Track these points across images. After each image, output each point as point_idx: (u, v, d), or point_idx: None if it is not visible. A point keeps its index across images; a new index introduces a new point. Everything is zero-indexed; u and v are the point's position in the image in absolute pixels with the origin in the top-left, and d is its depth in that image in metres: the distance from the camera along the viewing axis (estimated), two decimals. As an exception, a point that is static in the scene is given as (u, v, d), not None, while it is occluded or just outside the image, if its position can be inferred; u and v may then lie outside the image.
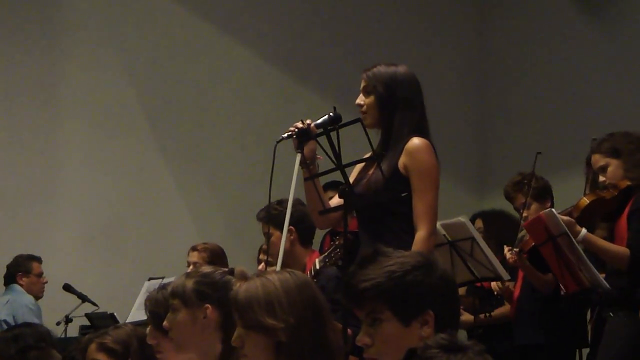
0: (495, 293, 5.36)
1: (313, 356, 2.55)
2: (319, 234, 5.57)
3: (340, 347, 2.67)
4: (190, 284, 3.14)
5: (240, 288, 2.66)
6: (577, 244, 4.16)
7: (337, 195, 3.79)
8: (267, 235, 4.74)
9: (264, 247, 5.27)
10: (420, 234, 3.62)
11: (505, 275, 4.87)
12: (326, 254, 4.37)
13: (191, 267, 5.43)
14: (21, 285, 6.60)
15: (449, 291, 2.39)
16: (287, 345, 2.54)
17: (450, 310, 2.37)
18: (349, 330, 3.40)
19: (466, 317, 5.45)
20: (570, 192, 4.90)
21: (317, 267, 4.28)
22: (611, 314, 4.49)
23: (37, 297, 6.71)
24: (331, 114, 3.70)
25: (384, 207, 3.69)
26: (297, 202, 4.42)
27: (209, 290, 3.09)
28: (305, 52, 7.89)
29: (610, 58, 6.96)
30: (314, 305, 2.61)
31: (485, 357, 1.99)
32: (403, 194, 3.60)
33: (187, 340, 3.12)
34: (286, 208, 3.88)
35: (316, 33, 7.94)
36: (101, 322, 5.74)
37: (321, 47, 7.92)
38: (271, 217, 4.53)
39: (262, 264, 5.61)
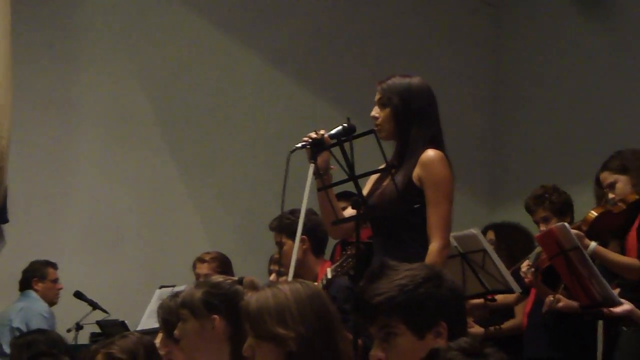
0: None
1: (323, 365, 2.56)
2: (331, 244, 5.58)
3: (350, 358, 2.68)
4: (198, 294, 3.15)
5: (252, 298, 2.68)
6: (589, 258, 4.16)
7: (350, 206, 3.80)
8: (280, 245, 4.75)
9: (276, 256, 5.28)
10: (434, 246, 3.62)
11: (516, 287, 4.86)
12: (338, 263, 4.38)
13: (201, 278, 5.44)
14: (36, 290, 6.62)
15: (458, 302, 2.41)
16: (297, 355, 2.55)
17: (460, 321, 2.38)
18: (359, 341, 3.41)
19: (476, 329, 5.44)
20: (586, 206, 4.89)
21: (329, 276, 4.29)
22: (624, 328, 4.48)
23: (52, 303, 6.72)
24: (345, 124, 3.72)
25: (397, 218, 3.70)
26: (310, 212, 4.43)
27: (217, 300, 3.11)
28: (321, 63, 7.90)
29: (624, 71, 6.95)
30: (325, 316, 2.62)
31: None
32: (416, 206, 3.60)
33: (196, 351, 3.14)
34: (299, 218, 3.89)
35: (332, 43, 7.95)
36: (112, 329, 5.75)
37: (336, 57, 7.93)
38: (284, 226, 4.54)
39: (274, 274, 5.62)
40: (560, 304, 4.52)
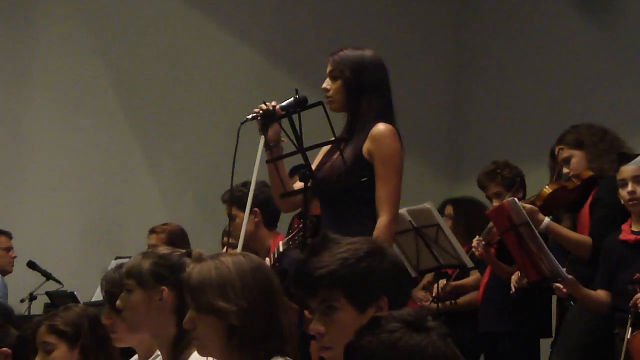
0: (441, 289, 5.28)
1: (265, 340, 2.53)
2: (286, 218, 5.55)
3: (293, 332, 2.65)
4: (146, 264, 3.10)
5: (194, 270, 2.64)
6: (538, 234, 4.17)
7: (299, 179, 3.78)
8: (231, 217, 4.72)
9: (228, 229, 5.25)
10: (382, 220, 3.61)
11: (469, 263, 4.87)
12: (290, 237, 4.35)
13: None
14: (-12, 258, 6.55)
15: (400, 276, 2.40)
16: (239, 329, 2.51)
17: (402, 296, 2.37)
18: (306, 313, 3.40)
19: (431, 303, 5.46)
20: (543, 182, 4.89)
21: (281, 249, 4.27)
22: (572, 302, 4.51)
23: (6, 272, 6.66)
24: (296, 96, 3.68)
25: (346, 192, 3.68)
26: (262, 185, 4.40)
27: (166, 271, 3.06)
28: (281, 34, 7.84)
29: (590, 47, 6.93)
30: (267, 289, 2.59)
31: (448, 342, 1.99)
32: (363, 179, 3.58)
33: (140, 321, 3.09)
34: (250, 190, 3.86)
35: (294, 15, 7.88)
36: (62, 300, 5.69)
37: (298, 29, 7.87)
38: (235, 198, 4.52)
39: (226, 246, 5.60)
40: (526, 281, 4.50)
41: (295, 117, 3.46)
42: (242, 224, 4.51)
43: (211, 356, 2.63)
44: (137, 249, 5.78)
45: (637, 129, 5.58)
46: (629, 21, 6.73)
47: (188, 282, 2.61)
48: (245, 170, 3.79)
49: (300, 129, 3.40)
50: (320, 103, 3.53)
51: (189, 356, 3.01)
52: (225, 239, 5.36)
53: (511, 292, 4.76)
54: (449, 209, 5.73)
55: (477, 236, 5.02)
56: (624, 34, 6.73)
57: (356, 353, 1.98)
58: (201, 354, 2.63)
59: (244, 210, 4.62)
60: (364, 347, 1.97)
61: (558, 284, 4.21)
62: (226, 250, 5.39)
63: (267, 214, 4.69)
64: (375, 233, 3.54)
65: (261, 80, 7.61)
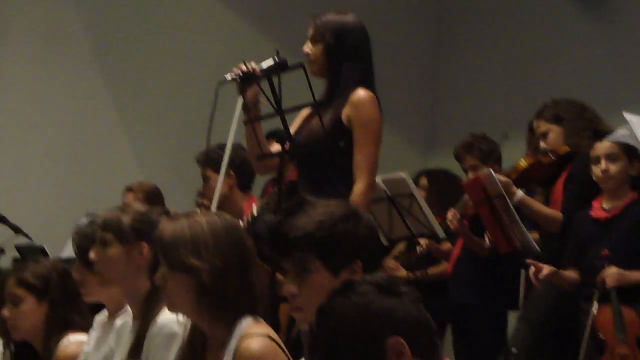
0: (419, 251, 5.33)
1: (236, 300, 2.53)
2: (260, 181, 5.54)
3: (264, 293, 2.66)
4: (127, 219, 3.08)
5: (167, 227, 2.63)
6: (512, 206, 4.19)
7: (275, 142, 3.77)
8: (205, 178, 4.71)
9: (202, 190, 5.24)
10: (358, 187, 3.61)
11: (441, 233, 4.89)
12: (265, 201, 4.36)
13: (124, 207, 5.38)
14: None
15: (374, 241, 2.41)
16: (210, 287, 2.51)
17: (375, 261, 2.38)
18: (279, 276, 3.40)
19: (401, 272, 5.48)
20: (518, 156, 4.91)
21: (255, 213, 4.27)
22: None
23: (-27, 223, 6.60)
24: (276, 58, 3.67)
25: (323, 157, 3.67)
26: (238, 147, 4.39)
27: (147, 228, 3.04)
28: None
29: (569, 19, 6.92)
30: (240, 249, 2.59)
31: (420, 307, 2.00)
32: (341, 144, 3.57)
33: (114, 276, 3.08)
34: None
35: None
36: (31, 254, 5.65)
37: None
38: (210, 160, 4.51)
39: (200, 207, 5.59)
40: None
41: (275, 79, 3.43)
42: (216, 185, 4.52)
43: (181, 313, 2.63)
44: (108, 205, 5.77)
45: (614, 107, 5.59)
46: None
47: (161, 239, 2.60)
48: (221, 132, 3.76)
49: (280, 91, 3.38)
50: (301, 65, 3.51)
51: (158, 313, 3.02)
52: (199, 200, 5.36)
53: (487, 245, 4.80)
54: (423, 180, 5.74)
55: (452, 208, 5.03)
56: (604, 11, 6.73)
57: (327, 314, 1.99)
58: (171, 310, 2.64)
59: (218, 172, 4.62)
60: (335, 309, 1.98)
61: (534, 268, 4.20)
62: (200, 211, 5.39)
63: (242, 176, 4.68)
64: (352, 199, 3.54)
65: (239, 41, 7.54)
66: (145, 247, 3.01)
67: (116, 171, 7.14)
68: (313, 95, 3.52)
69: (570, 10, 6.94)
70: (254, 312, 2.55)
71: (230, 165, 4.12)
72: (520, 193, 4.44)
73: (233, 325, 2.51)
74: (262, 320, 2.56)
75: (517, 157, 4.86)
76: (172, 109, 7.47)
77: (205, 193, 4.77)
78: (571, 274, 4.28)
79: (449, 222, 4.97)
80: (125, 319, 3.17)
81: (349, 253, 2.30)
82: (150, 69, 7.45)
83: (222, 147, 4.43)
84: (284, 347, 2.51)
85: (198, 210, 5.46)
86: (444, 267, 5.50)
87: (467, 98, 7.56)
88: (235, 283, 2.53)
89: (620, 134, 3.18)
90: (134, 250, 3.04)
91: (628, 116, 3.05)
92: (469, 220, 5.04)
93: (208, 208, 5.29)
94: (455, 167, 5.75)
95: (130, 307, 3.12)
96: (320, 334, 2.00)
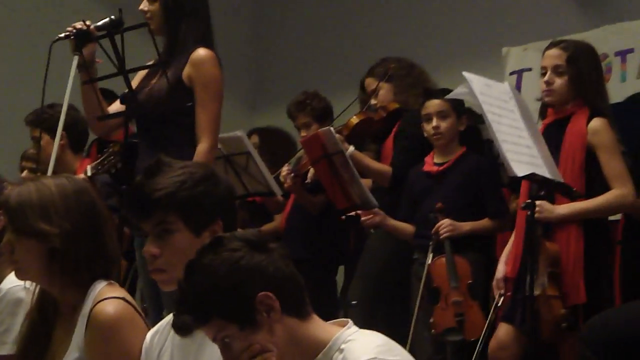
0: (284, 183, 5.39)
1: (89, 263, 2.49)
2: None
3: (118, 256, 2.62)
4: None
5: (13, 191, 2.55)
6: (351, 162, 4.28)
7: (117, 102, 3.70)
8: (36, 140, 4.57)
9: (30, 152, 5.08)
10: (203, 146, 3.61)
11: (278, 191, 4.93)
12: (99, 161, 4.29)
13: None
14: None
15: (233, 201, 2.42)
16: (61, 252, 2.46)
17: (233, 220, 2.40)
18: (126, 230, 3.36)
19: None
20: (349, 112, 5.00)
21: (89, 174, 4.21)
22: (372, 230, 4.68)
23: None
24: (113, 17, 3.60)
25: (165, 117, 3.64)
26: (69, 108, 4.27)
27: None
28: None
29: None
30: (92, 212, 2.54)
31: (288, 263, 2.04)
32: (188, 104, 3.55)
33: None
34: (57, 112, 3.75)
35: None
36: None
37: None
38: (41, 120, 4.40)
39: (26, 170, 5.41)
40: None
41: (118, 37, 3.37)
42: (48, 146, 4.41)
43: (31, 280, 2.56)
44: None
45: (445, 64, 5.76)
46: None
47: (7, 204, 2.52)
48: (48, 92, 3.63)
49: (123, 50, 3.31)
50: (145, 24, 3.46)
51: (2, 279, 2.93)
52: (27, 163, 5.18)
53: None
54: (255, 138, 5.76)
55: (287, 165, 5.08)
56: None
57: (198, 270, 2.00)
58: (20, 277, 2.57)
59: (50, 133, 4.50)
60: (205, 265, 2.00)
61: (368, 215, 4.34)
62: (26, 174, 5.23)
63: (74, 137, 4.60)
64: (196, 159, 3.54)
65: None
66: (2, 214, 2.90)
67: None
68: (159, 54, 3.47)
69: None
70: (107, 276, 2.52)
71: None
72: (351, 148, 4.53)
73: (86, 289, 2.47)
74: (116, 283, 2.53)
75: (350, 113, 4.95)
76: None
77: (36, 155, 4.63)
78: (407, 226, 4.43)
79: (282, 179, 5.02)
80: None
81: (211, 212, 2.31)
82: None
83: (52, 107, 4.32)
84: (140, 310, 2.50)
85: (23, 173, 5.30)
86: (277, 223, 5.56)
87: (292, 57, 7.59)
88: (87, 247, 2.49)
89: (459, 91, 3.32)
90: None
91: (467, 75, 3.19)
92: (300, 177, 5.12)
93: (35, 171, 5.14)
94: (282, 126, 5.80)
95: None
96: (190, 289, 2.01)
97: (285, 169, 5.03)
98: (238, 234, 2.05)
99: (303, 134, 5.17)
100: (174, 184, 2.28)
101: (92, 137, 5.11)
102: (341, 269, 5.34)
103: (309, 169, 4.89)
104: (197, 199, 2.29)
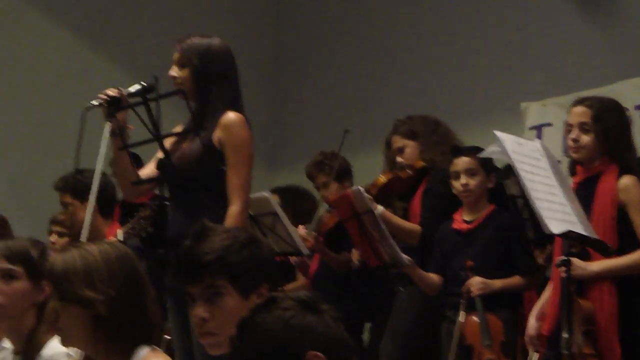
0: (293, 263, 5.45)
1: (132, 329, 2.50)
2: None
3: (160, 320, 2.63)
4: (35, 252, 3.02)
5: (57, 258, 2.56)
6: (380, 221, 4.31)
7: (148, 166, 3.74)
8: (65, 205, 4.62)
9: (59, 216, 5.12)
10: (235, 208, 3.63)
11: (305, 250, 4.95)
12: (130, 225, 4.32)
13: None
14: None
15: (275, 263, 2.47)
16: (106, 319, 2.46)
17: (276, 282, 2.43)
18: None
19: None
20: (372, 172, 5.04)
21: (120, 238, 4.23)
22: (401, 288, 4.69)
23: None
24: (143, 83, 3.65)
25: (198, 181, 3.67)
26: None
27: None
28: (100, 17, 7.62)
29: (409, 39, 7.05)
30: (134, 277, 2.55)
31: (339, 324, 2.05)
32: (222, 167, 3.59)
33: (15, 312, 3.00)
34: (87, 178, 3.79)
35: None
36: None
37: (128, 18, 7.66)
38: (70, 186, 4.46)
39: (54, 234, 5.46)
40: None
41: (153, 103, 3.41)
42: (77, 212, 4.45)
43: (76, 347, 2.57)
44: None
45: (465, 120, 5.80)
46: None
47: (52, 271, 2.54)
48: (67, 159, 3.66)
49: (158, 116, 3.36)
50: (180, 92, 3.51)
51: (42, 347, 2.94)
52: (56, 227, 5.22)
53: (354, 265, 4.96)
54: (275, 198, 5.78)
55: (302, 226, 5.13)
56: None
57: (250, 329, 2.02)
58: (65, 345, 2.58)
59: (78, 198, 4.56)
60: (258, 323, 2.01)
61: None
62: (55, 239, 5.27)
63: (103, 202, 4.60)
64: (228, 221, 3.56)
65: (82, 68, 7.36)
66: (47, 284, 2.92)
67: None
68: (194, 119, 3.51)
69: (412, 28, 7.11)
70: (150, 341, 2.52)
71: (89, 191, 4.05)
72: (380, 208, 4.56)
73: (130, 355, 2.47)
74: (159, 348, 2.54)
75: (372, 172, 4.99)
76: (13, 138, 7.16)
77: (63, 220, 4.67)
78: (433, 276, 4.44)
79: (304, 241, 5.06)
80: (3, 354, 3.07)
81: (257, 276, 2.35)
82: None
83: (80, 172, 4.37)
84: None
85: (54, 237, 5.34)
86: (302, 282, 5.57)
87: (309, 117, 7.65)
88: (131, 312, 2.50)
89: (491, 150, 3.35)
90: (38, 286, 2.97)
91: (499, 134, 3.22)
92: (324, 236, 5.14)
93: (65, 236, 5.18)
94: (300, 184, 5.85)
95: (12, 342, 3.03)
96: (242, 347, 2.02)
97: (301, 229, 5.06)
98: (291, 294, 2.07)
99: (323, 193, 5.22)
100: (222, 248, 2.32)
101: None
102: (367, 326, 5.34)
103: (331, 227, 4.94)
104: (244, 262, 2.33)
